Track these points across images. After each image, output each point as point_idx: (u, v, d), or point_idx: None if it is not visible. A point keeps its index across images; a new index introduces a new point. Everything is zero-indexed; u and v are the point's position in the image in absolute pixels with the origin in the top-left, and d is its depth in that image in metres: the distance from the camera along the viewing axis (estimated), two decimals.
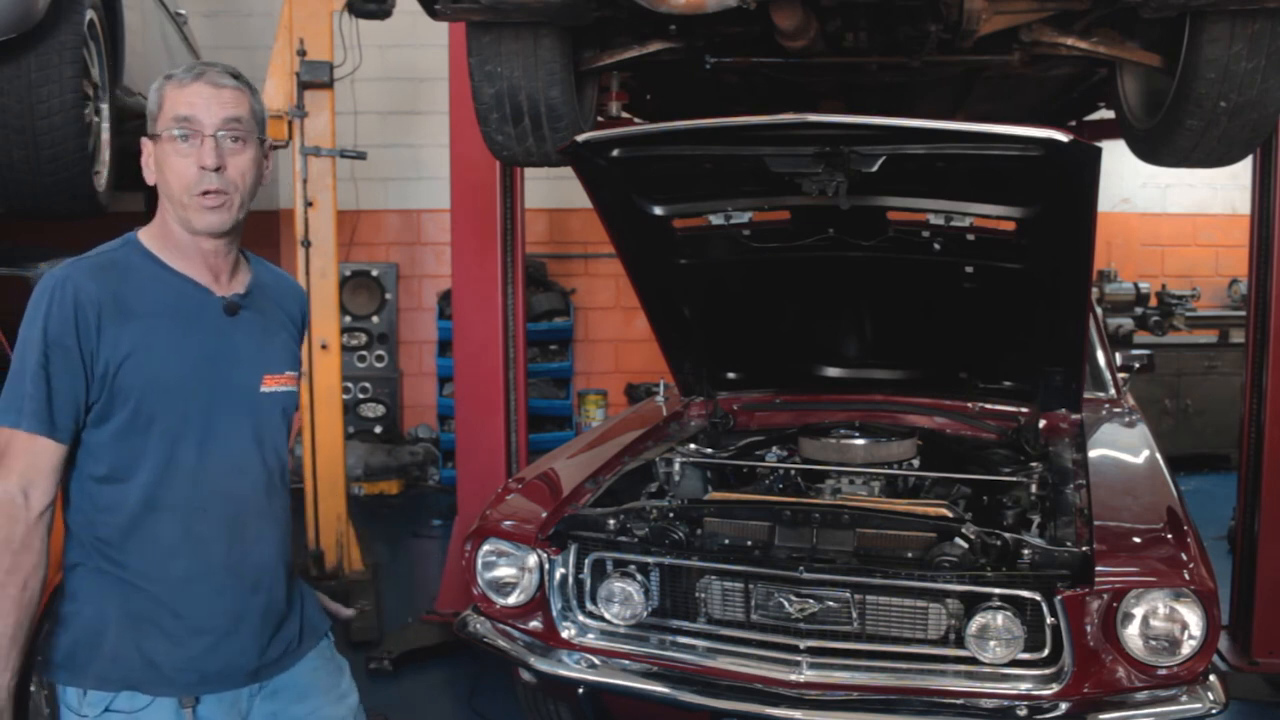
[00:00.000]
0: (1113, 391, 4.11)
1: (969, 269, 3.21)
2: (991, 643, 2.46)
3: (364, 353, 7.81)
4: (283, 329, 2.08)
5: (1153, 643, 2.41)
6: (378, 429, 7.79)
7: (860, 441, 3.33)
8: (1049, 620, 2.46)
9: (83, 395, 1.84)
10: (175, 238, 1.94)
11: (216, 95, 1.89)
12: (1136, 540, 2.64)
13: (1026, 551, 2.53)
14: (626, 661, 2.74)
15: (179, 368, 1.89)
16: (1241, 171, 4.41)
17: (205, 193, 1.88)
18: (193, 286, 1.94)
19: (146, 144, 1.93)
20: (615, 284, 7.93)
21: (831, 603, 2.59)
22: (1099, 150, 2.53)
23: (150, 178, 1.94)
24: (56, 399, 1.82)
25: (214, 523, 1.91)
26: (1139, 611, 2.42)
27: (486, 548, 2.93)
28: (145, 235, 1.96)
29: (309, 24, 5.10)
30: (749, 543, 2.75)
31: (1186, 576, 2.44)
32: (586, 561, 2.83)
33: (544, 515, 2.92)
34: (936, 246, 3.15)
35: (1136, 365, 4.56)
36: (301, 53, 5.05)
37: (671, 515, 2.87)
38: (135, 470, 1.87)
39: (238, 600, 1.94)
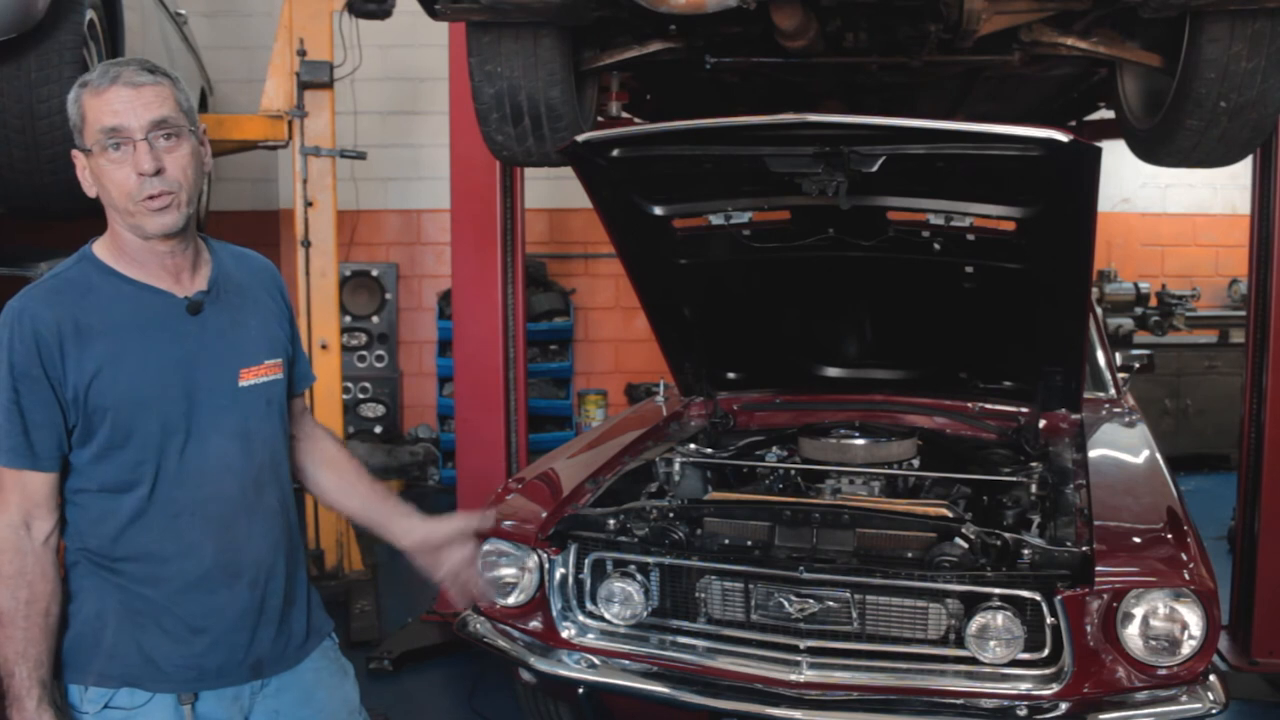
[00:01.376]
0: (1113, 391, 4.11)
1: (969, 269, 3.21)
2: (991, 643, 2.46)
3: (364, 353, 7.81)
4: (255, 316, 2.02)
5: (1153, 643, 2.41)
6: (378, 429, 7.78)
7: (860, 441, 3.33)
8: (1049, 620, 2.46)
9: (60, 422, 1.82)
10: (128, 246, 1.89)
11: (137, 96, 1.80)
12: (1136, 540, 2.63)
13: (1026, 551, 2.53)
14: (626, 661, 2.74)
15: (149, 378, 1.85)
16: (1241, 171, 4.41)
17: (150, 197, 1.82)
18: (152, 293, 1.89)
19: (79, 157, 1.86)
20: (615, 284, 7.93)
21: (831, 603, 2.59)
22: (1099, 150, 2.53)
23: (90, 190, 1.88)
24: (34, 431, 1.81)
25: (202, 525, 1.90)
26: (1139, 611, 2.42)
27: (486, 548, 2.92)
28: (99, 248, 1.92)
29: (309, 24, 5.10)
30: (749, 543, 2.75)
31: (1186, 576, 2.44)
32: (586, 561, 2.83)
33: (544, 515, 2.92)
34: (936, 246, 3.14)
35: (1136, 365, 4.56)
36: (301, 53, 5.05)
37: (671, 515, 2.87)
38: (123, 484, 1.86)
39: (233, 599, 1.93)
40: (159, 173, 1.81)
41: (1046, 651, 2.47)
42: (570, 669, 2.76)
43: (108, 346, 1.83)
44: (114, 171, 1.82)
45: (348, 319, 7.51)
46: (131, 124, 1.80)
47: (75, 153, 1.87)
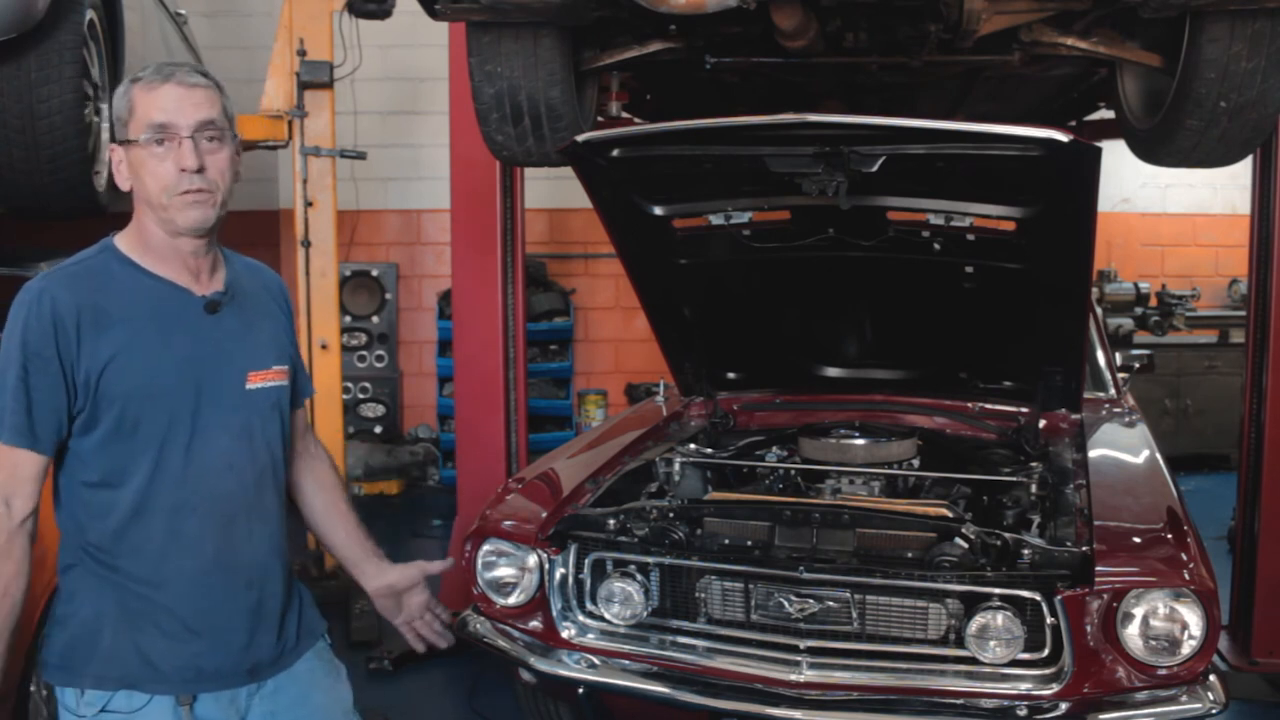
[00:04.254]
0: (1113, 391, 4.11)
1: (969, 269, 3.21)
2: (991, 643, 2.46)
3: (364, 353, 7.81)
4: (266, 322, 2.06)
5: (1153, 643, 2.41)
6: (378, 429, 7.78)
7: (860, 441, 3.33)
8: (1049, 620, 2.45)
9: (65, 405, 1.83)
10: (154, 241, 1.92)
11: (189, 96, 1.87)
12: (1136, 540, 2.63)
13: (1026, 551, 2.53)
14: (626, 661, 2.74)
15: (162, 371, 1.88)
16: (1241, 171, 4.41)
17: (186, 191, 1.86)
18: (172, 288, 1.92)
19: (117, 150, 1.90)
20: (615, 284, 7.93)
21: (831, 603, 2.59)
22: (1099, 150, 2.53)
23: (124, 184, 1.91)
24: (37, 411, 1.81)
25: (203, 522, 1.91)
26: (1139, 611, 2.42)
27: (486, 548, 2.93)
28: (122, 240, 1.94)
29: (309, 24, 5.10)
30: (749, 543, 2.75)
31: (1186, 576, 2.44)
32: (586, 561, 2.83)
33: (544, 515, 2.92)
34: (936, 246, 3.14)
35: (1136, 365, 4.56)
36: (301, 53, 5.05)
37: (671, 515, 2.87)
38: (125, 475, 1.86)
39: (231, 598, 1.94)
40: (200, 170, 1.86)
41: (1046, 651, 2.47)
42: (570, 669, 2.76)
43: (124, 335, 1.85)
44: (155, 165, 1.86)
45: (348, 319, 7.51)
46: (179, 121, 1.85)
47: (114, 146, 1.89)
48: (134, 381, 1.85)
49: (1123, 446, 3.47)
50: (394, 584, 2.25)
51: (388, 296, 7.86)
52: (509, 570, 2.89)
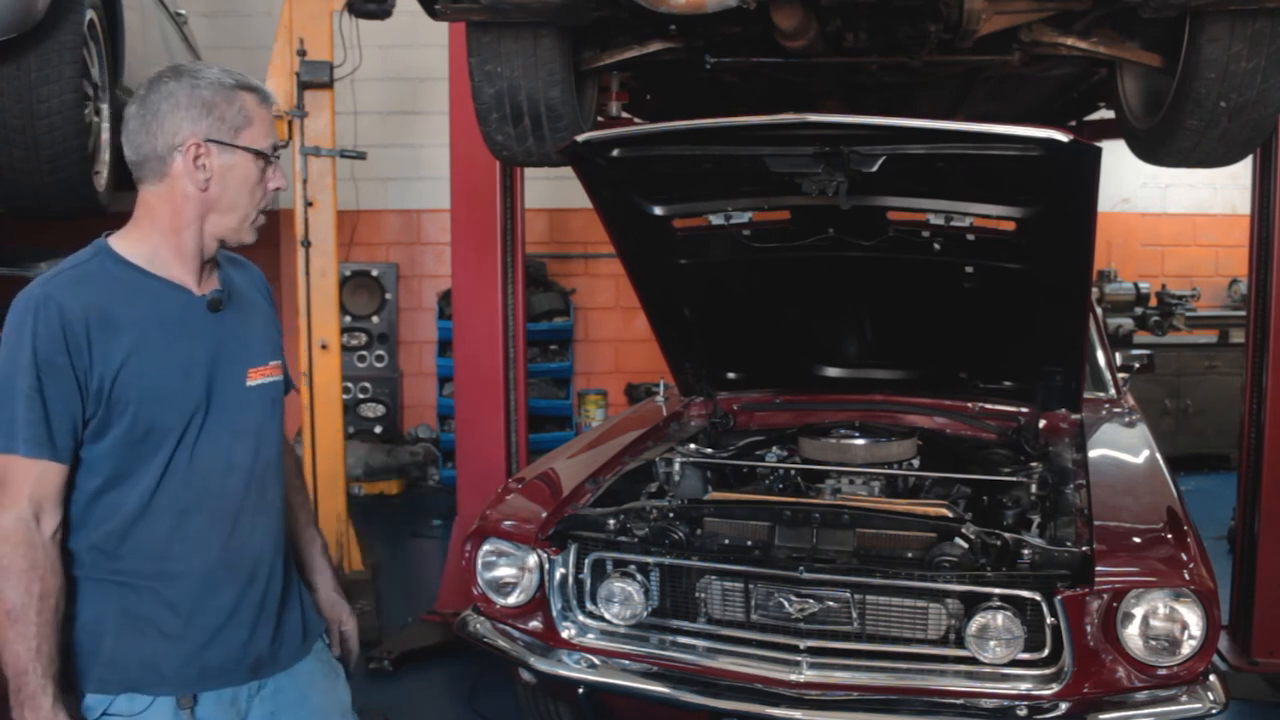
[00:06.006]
0: (1113, 391, 4.11)
1: (969, 269, 3.21)
2: (991, 643, 2.46)
3: (364, 353, 7.82)
4: (257, 317, 2.07)
5: (1153, 643, 2.41)
6: (378, 429, 7.79)
7: (860, 441, 3.33)
8: (1049, 620, 2.46)
9: (79, 413, 1.81)
10: (172, 244, 1.90)
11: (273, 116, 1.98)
12: (1136, 540, 2.64)
13: (1026, 551, 2.53)
14: (626, 661, 2.74)
15: (171, 374, 1.87)
16: (1241, 171, 4.41)
17: (264, 210, 1.96)
18: (174, 289, 1.91)
19: (208, 148, 1.87)
20: (615, 284, 7.93)
21: (831, 603, 2.59)
22: (1099, 150, 2.53)
23: (202, 183, 1.88)
24: (54, 421, 1.79)
25: (207, 520, 1.91)
26: (1139, 611, 2.42)
27: (486, 548, 2.93)
28: (120, 242, 1.91)
29: (309, 24, 5.10)
30: (749, 543, 2.75)
31: (1186, 576, 2.44)
32: (586, 561, 2.83)
33: (544, 515, 2.92)
34: (936, 246, 3.15)
35: (1136, 365, 4.56)
36: (301, 53, 5.05)
37: (671, 515, 2.87)
38: (132, 477, 1.85)
39: (234, 594, 1.94)
40: None
41: (1046, 651, 2.48)
42: (570, 669, 2.76)
43: (133, 339, 1.84)
44: (258, 179, 1.93)
45: (348, 319, 7.51)
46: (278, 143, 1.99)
47: (204, 143, 1.87)
48: (146, 385, 1.83)
49: (1123, 446, 3.47)
50: (318, 606, 2.23)
51: (388, 296, 7.86)
52: (509, 570, 2.90)
